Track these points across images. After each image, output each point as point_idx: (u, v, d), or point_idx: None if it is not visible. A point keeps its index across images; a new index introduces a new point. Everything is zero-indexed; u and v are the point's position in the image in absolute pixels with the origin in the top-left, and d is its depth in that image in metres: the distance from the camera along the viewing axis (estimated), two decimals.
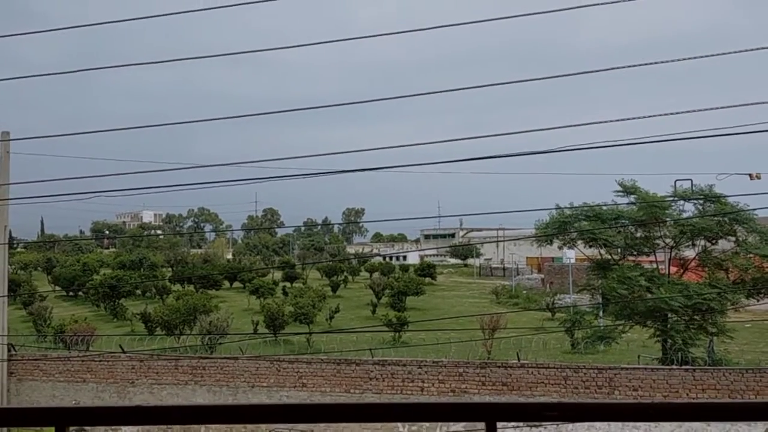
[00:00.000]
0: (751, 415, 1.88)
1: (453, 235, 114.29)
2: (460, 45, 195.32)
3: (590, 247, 30.15)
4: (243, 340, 30.54)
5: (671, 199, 27.99)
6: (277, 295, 48.74)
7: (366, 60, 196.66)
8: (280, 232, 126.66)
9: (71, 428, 1.93)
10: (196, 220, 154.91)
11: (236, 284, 60.64)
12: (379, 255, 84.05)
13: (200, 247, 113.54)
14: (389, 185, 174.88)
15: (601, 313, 30.23)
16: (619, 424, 19.22)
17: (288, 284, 57.79)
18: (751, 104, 12.01)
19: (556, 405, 1.87)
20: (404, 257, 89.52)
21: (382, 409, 1.95)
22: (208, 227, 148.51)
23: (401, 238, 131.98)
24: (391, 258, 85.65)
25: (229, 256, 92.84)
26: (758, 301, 27.09)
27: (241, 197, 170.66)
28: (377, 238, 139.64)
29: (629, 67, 11.52)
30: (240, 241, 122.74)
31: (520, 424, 20.36)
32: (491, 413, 1.87)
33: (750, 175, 25.54)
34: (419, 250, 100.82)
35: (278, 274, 64.12)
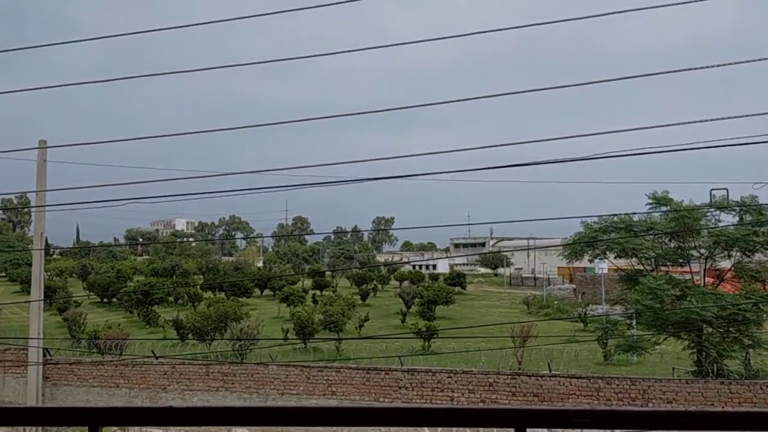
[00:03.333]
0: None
1: (483, 244, 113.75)
2: (494, 52, 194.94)
3: (621, 257, 29.76)
4: (273, 346, 30.69)
5: (705, 208, 27.52)
6: (306, 303, 48.93)
7: (401, 67, 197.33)
8: (310, 240, 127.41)
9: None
10: (227, 228, 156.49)
11: (267, 292, 61.01)
12: (408, 263, 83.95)
13: (231, 255, 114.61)
14: (420, 193, 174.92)
15: (633, 323, 29.78)
16: None
17: (318, 292, 57.98)
18: None
19: (587, 412, 1.85)
20: (434, 266, 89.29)
21: (409, 413, 1.95)
22: (239, 235, 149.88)
23: (431, 247, 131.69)
24: (420, 267, 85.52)
25: (260, 264, 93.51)
26: None
27: (271, 205, 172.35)
28: (407, 246, 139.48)
29: (667, 72, 11.38)
30: (270, 249, 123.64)
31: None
32: (520, 419, 1.86)
33: None
34: (448, 257, 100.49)
35: (308, 282, 64.38)
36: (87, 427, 1.94)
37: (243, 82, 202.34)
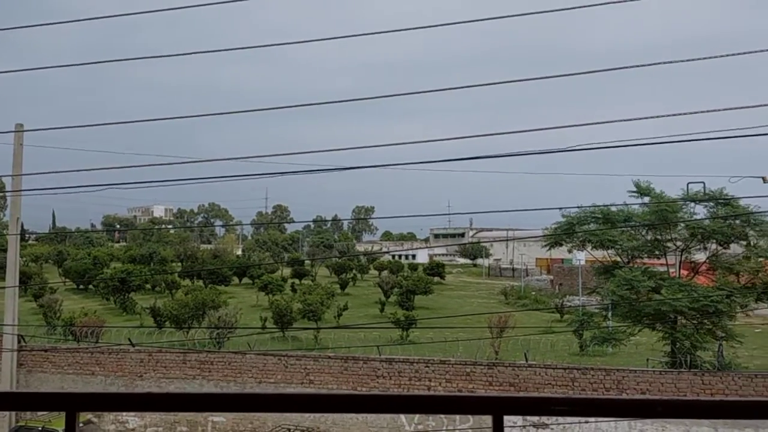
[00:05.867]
0: (759, 413, 1.86)
1: (463, 235, 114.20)
2: (473, 44, 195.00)
3: (599, 249, 30.04)
4: (251, 334, 30.65)
5: (681, 201, 27.83)
6: (285, 291, 48.86)
7: (380, 58, 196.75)
8: (290, 229, 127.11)
9: None
10: (207, 215, 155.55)
11: (245, 280, 60.81)
12: (388, 253, 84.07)
13: (210, 243, 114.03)
14: (400, 184, 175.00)
15: (609, 315, 30.14)
16: (627, 423, 19.16)
17: (297, 281, 57.90)
18: (760, 106, 11.91)
19: (564, 399, 1.85)
20: (413, 256, 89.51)
21: (387, 400, 1.93)
22: (218, 223, 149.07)
23: (411, 237, 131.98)
24: (400, 256, 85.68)
25: (239, 252, 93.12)
26: None
27: (251, 193, 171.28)
28: (387, 236, 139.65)
29: (640, 66, 11.47)
30: (250, 237, 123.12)
31: (528, 423, 20.26)
32: (498, 406, 1.83)
33: (763, 177, 25.36)
34: (428, 247, 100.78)
35: (287, 271, 64.25)
36: (63, 413, 1.92)
37: (225, 71, 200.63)
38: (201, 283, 54.28)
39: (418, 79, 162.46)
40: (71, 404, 1.88)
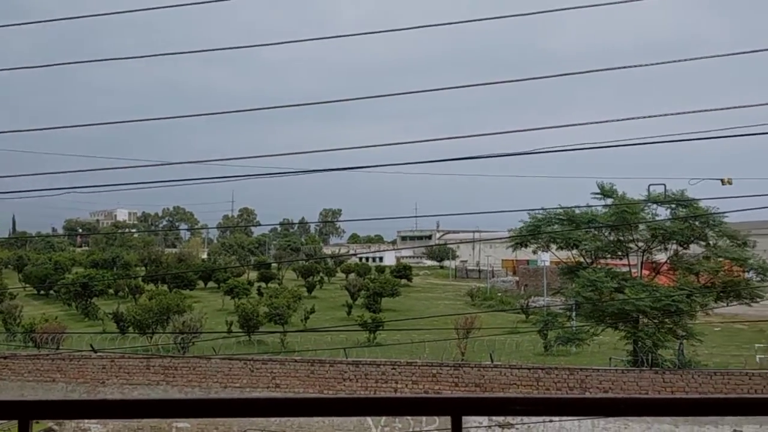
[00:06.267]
0: (718, 411, 1.90)
1: (430, 237, 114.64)
2: (441, 48, 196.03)
3: (563, 249, 30.45)
4: (216, 338, 30.34)
5: (644, 203, 28.36)
6: (252, 295, 48.46)
7: (349, 60, 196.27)
8: (256, 232, 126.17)
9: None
10: (171, 219, 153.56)
11: (211, 284, 60.20)
12: (355, 255, 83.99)
13: (175, 247, 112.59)
14: (367, 186, 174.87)
15: (573, 315, 30.52)
16: (589, 422, 19.43)
17: (263, 284, 57.50)
18: (722, 109, 12.21)
19: (522, 399, 1.87)
20: (380, 258, 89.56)
21: (349, 403, 1.93)
22: (183, 226, 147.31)
23: (378, 240, 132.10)
24: (367, 259, 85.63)
25: (204, 256, 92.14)
26: (727, 304, 27.53)
27: (217, 197, 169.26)
28: (354, 239, 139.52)
29: (607, 70, 11.68)
30: (216, 241, 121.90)
31: (494, 423, 20.40)
32: (456, 407, 1.85)
33: (722, 180, 25.98)
34: (395, 249, 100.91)
35: (254, 275, 63.78)
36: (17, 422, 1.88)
37: (191, 73, 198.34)
38: (165, 287, 53.59)
39: (391, 82, 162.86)
40: (24, 413, 1.84)
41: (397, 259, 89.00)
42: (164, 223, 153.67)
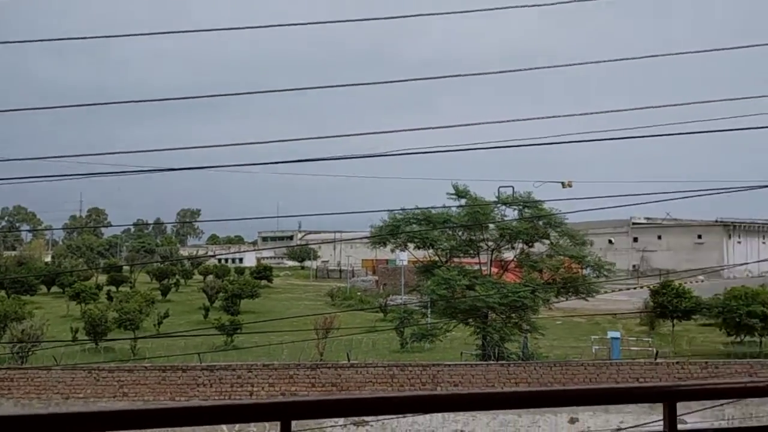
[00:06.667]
0: (555, 402, 2.00)
1: (291, 237, 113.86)
2: (301, 48, 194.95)
3: (420, 249, 31.38)
4: (59, 346, 28.50)
5: (493, 204, 29.80)
6: (100, 300, 46.01)
7: (209, 54, 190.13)
8: (107, 233, 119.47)
9: None
10: (11, 219, 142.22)
11: (55, 289, 56.56)
12: (214, 257, 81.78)
13: (14, 249, 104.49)
14: (227, 187, 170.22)
15: (428, 312, 31.51)
16: (440, 416, 20.09)
17: (113, 289, 54.75)
18: (561, 116, 13.07)
19: (353, 401, 1.88)
20: (240, 260, 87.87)
21: (180, 412, 1.86)
22: (24, 227, 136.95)
23: (238, 240, 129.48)
24: (226, 260, 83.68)
25: (48, 259, 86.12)
26: (567, 299, 29.51)
27: (63, 196, 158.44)
28: (213, 240, 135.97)
29: (462, 75, 12.14)
30: (61, 243, 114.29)
31: (349, 422, 20.59)
32: (285, 412, 1.84)
33: (563, 183, 27.85)
34: (255, 250, 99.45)
35: (103, 278, 60.54)
36: None
37: (39, 62, 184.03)
38: (3, 293, 49.60)
39: (248, 81, 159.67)
40: None
41: (258, 260, 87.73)
42: (3, 224, 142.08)
